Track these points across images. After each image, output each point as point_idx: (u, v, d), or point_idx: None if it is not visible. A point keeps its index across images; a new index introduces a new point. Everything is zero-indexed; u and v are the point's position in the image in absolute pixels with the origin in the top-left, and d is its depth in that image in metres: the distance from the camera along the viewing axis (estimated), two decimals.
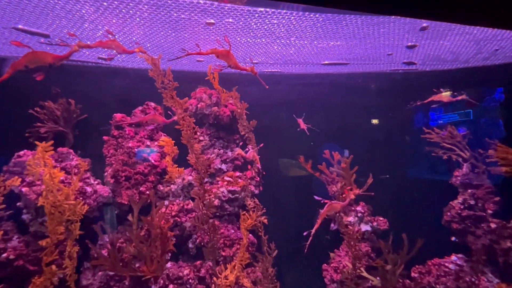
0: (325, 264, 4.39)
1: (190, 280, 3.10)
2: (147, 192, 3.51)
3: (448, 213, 4.12)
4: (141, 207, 3.24)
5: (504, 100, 4.46)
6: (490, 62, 4.25)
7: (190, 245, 3.68)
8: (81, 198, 3.07)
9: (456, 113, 4.42)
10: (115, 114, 3.64)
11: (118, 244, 3.21)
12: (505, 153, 4.03)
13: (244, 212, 3.23)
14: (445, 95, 4.39)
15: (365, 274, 3.84)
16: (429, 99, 4.39)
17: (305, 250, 2.89)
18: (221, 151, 4.08)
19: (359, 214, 4.24)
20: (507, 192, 4.19)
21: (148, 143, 3.75)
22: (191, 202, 3.76)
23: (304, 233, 2.92)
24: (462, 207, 3.94)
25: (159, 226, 2.98)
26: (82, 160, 3.32)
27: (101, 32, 2.65)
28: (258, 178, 4.23)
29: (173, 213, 3.53)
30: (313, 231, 2.89)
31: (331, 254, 4.50)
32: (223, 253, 3.66)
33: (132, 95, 3.88)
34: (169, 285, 3.05)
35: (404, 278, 4.26)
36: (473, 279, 3.49)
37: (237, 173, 4.06)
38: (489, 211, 3.85)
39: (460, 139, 4.36)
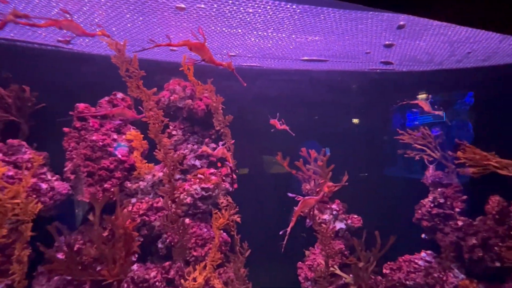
0: (300, 262, 4.33)
1: (157, 283, 2.89)
2: (112, 189, 3.24)
3: (419, 211, 4.18)
4: (107, 206, 2.98)
5: (473, 104, 4.65)
6: (462, 65, 4.34)
7: (160, 245, 3.45)
8: (34, 196, 2.76)
9: (431, 115, 4.55)
10: (77, 104, 3.32)
11: (77, 246, 2.93)
12: (473, 154, 4.13)
13: (216, 210, 3.05)
14: (421, 98, 4.54)
15: (338, 271, 3.82)
16: (414, 102, 4.45)
17: (282, 250, 2.76)
18: (195, 146, 3.86)
19: (334, 212, 4.20)
20: (474, 191, 4.34)
21: (115, 136, 3.46)
22: (161, 200, 3.53)
23: (280, 232, 2.79)
24: (432, 205, 4.00)
25: (123, 226, 2.74)
26: (37, 153, 2.98)
27: (56, 10, 2.35)
28: (234, 176, 4.06)
29: (141, 212, 3.28)
30: (288, 229, 2.77)
31: (306, 252, 4.44)
32: (195, 253, 3.47)
33: (98, 84, 3.55)
34: None
35: (376, 274, 4.30)
36: (440, 275, 3.55)
37: (211, 170, 3.87)
38: (457, 209, 3.94)
39: (432, 139, 4.44)
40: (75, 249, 2.91)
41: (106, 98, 3.50)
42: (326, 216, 4.21)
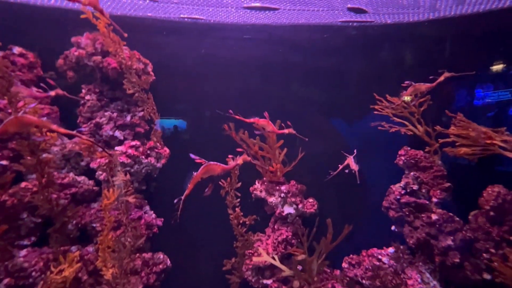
0: (249, 250, 3.59)
1: (34, 273, 2.30)
2: (3, 162, 2.62)
3: (388, 198, 3.18)
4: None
5: None
6: (468, 9, 3.00)
7: (70, 227, 2.86)
8: None
9: (508, 91, 3.20)
10: None
11: None
12: (466, 130, 2.97)
13: (106, 189, 2.34)
14: (496, 69, 3.17)
15: (276, 263, 3.03)
16: (404, 94, 3.16)
17: (176, 220, 2.05)
18: (115, 114, 3.10)
19: (282, 194, 3.33)
20: (463, 178, 3.19)
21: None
22: (69, 175, 2.88)
23: (175, 201, 2.07)
24: (402, 192, 2.98)
25: None
26: None
27: None
28: (165, 150, 3.29)
29: (36, 189, 2.66)
30: (183, 197, 2.05)
31: (256, 237, 3.69)
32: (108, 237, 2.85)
33: None
34: (4, 280, 2.26)
35: (331, 268, 3.47)
36: (396, 280, 2.63)
37: (135, 142, 3.12)
38: (434, 199, 2.88)
39: (416, 110, 3.27)
40: None
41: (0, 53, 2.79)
42: (273, 199, 3.36)
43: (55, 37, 3.06)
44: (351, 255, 3.34)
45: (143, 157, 3.05)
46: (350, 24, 3.52)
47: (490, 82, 3.26)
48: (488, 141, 2.83)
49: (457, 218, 2.69)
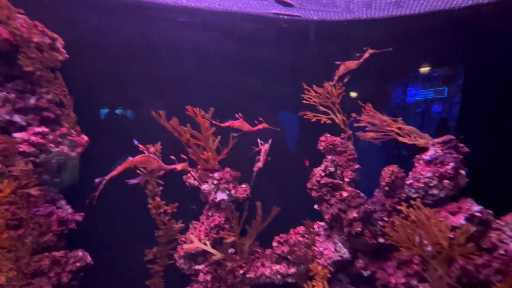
0: (182, 236, 3.53)
1: None
2: None
3: (311, 181, 3.50)
4: None
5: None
6: (377, 14, 3.40)
7: None
8: None
9: (432, 90, 3.71)
10: None
11: None
12: (373, 118, 3.43)
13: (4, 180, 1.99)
14: (423, 71, 3.64)
15: (207, 248, 3.07)
16: (338, 74, 3.44)
17: (94, 202, 1.90)
18: (12, 95, 2.62)
19: (215, 181, 3.36)
20: (370, 159, 3.72)
21: None
22: None
23: (96, 180, 1.93)
24: (323, 174, 3.30)
25: None
26: None
27: None
28: (83, 137, 2.95)
29: None
30: (107, 177, 1.92)
31: (190, 225, 3.65)
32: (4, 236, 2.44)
33: None
34: None
35: (262, 249, 3.67)
36: (307, 251, 2.93)
37: (42, 129, 2.71)
38: (346, 179, 3.29)
39: (335, 99, 3.61)
40: None
41: None
42: (206, 186, 3.35)
43: None
44: (280, 234, 3.59)
45: (53, 145, 2.67)
46: (281, 17, 3.65)
47: (420, 82, 3.84)
48: (388, 128, 3.33)
49: (362, 194, 3.11)
